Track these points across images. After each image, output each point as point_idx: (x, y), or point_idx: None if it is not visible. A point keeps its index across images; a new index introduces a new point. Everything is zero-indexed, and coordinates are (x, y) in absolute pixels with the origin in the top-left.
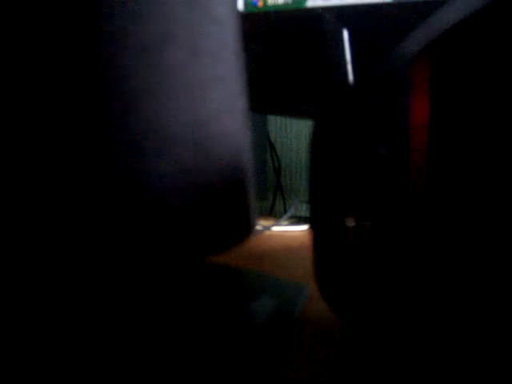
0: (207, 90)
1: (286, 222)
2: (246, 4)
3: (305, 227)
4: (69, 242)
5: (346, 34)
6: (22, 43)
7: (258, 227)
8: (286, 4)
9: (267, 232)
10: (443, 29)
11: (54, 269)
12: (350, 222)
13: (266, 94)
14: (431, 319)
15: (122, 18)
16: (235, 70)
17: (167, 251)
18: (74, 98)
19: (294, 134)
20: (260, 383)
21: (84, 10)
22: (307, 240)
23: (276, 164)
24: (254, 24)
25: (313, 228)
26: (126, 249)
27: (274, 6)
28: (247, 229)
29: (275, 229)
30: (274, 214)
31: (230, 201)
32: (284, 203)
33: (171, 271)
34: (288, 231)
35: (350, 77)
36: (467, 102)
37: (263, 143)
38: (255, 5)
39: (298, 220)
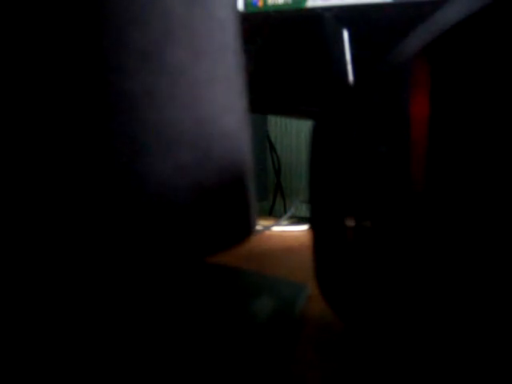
0: (207, 89)
1: (285, 222)
2: (246, 4)
3: (305, 227)
4: (67, 240)
5: (345, 34)
6: (23, 46)
7: (258, 227)
8: (285, 4)
9: (267, 232)
10: (442, 28)
11: (52, 268)
12: (350, 222)
13: (266, 94)
14: (431, 319)
15: (121, 18)
16: (235, 70)
17: (167, 251)
18: (75, 99)
19: (294, 134)
20: (261, 383)
21: (84, 10)
22: (307, 240)
23: (276, 164)
24: (253, 24)
25: (313, 228)
26: (125, 248)
27: (273, 5)
28: (247, 229)
29: (275, 229)
30: (274, 214)
31: (230, 201)
32: (284, 203)
33: (171, 271)
34: (288, 231)
35: (350, 77)
36: (467, 100)
37: (263, 143)
38: (255, 5)
39: (298, 220)
